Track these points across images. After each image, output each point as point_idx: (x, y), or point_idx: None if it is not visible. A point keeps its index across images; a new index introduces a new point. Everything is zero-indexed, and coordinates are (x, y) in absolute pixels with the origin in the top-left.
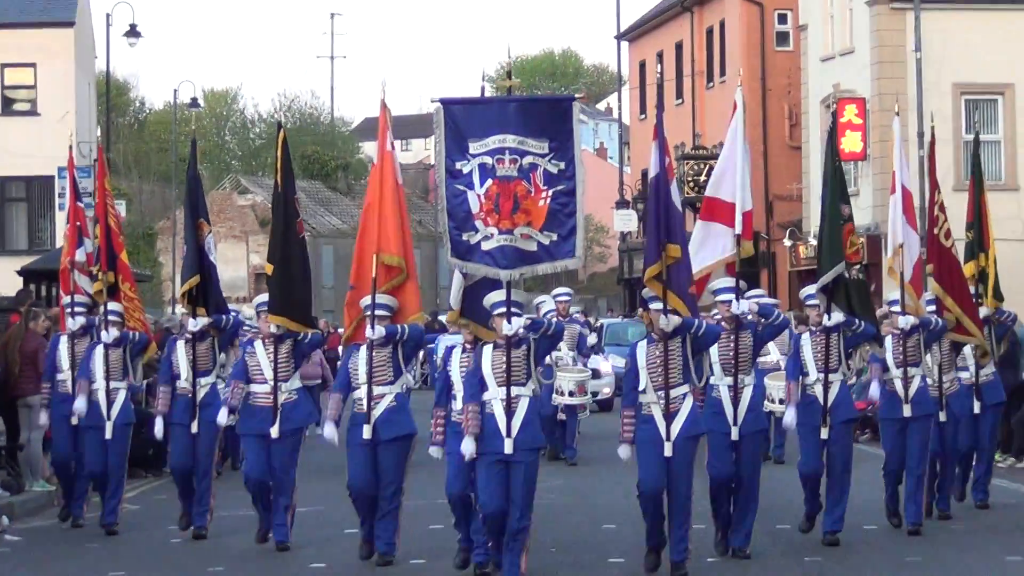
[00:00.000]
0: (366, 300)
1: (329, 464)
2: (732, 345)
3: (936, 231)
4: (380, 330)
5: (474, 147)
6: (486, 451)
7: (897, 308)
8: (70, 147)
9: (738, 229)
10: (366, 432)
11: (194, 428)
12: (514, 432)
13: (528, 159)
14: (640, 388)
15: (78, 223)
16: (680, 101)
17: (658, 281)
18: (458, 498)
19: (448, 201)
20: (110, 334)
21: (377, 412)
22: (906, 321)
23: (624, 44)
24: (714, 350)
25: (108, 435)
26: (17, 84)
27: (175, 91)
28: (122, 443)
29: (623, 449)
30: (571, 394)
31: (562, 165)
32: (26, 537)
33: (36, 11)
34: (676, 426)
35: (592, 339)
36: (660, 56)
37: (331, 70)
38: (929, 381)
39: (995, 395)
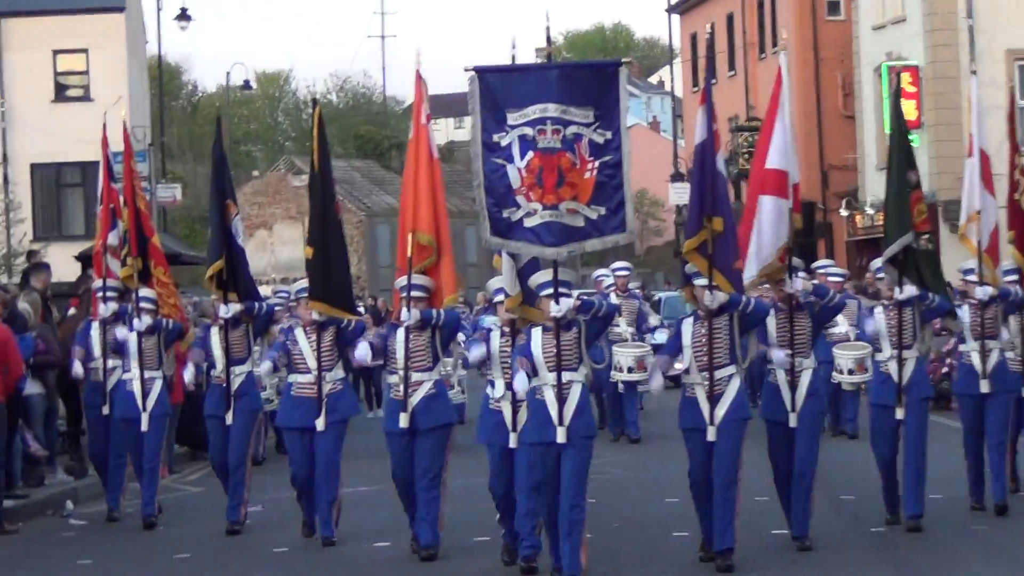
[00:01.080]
0: (401, 281)
1: (376, 447)
2: (788, 326)
3: (1017, 196)
4: (415, 313)
5: (512, 118)
6: (537, 440)
7: (973, 278)
8: (103, 125)
9: (790, 202)
10: (403, 420)
11: (229, 419)
12: (567, 420)
13: (572, 129)
14: (683, 368)
15: (111, 205)
16: (732, 73)
17: (700, 255)
18: (502, 495)
19: (486, 176)
20: (143, 322)
21: (414, 400)
22: (984, 292)
23: (675, 17)
24: (772, 330)
25: (144, 427)
26: (69, 70)
27: (227, 74)
28: (158, 434)
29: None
30: (630, 370)
31: (608, 135)
32: (90, 521)
33: None
34: (721, 409)
35: (654, 319)
36: (712, 27)
37: (382, 49)
38: (1010, 355)
39: None
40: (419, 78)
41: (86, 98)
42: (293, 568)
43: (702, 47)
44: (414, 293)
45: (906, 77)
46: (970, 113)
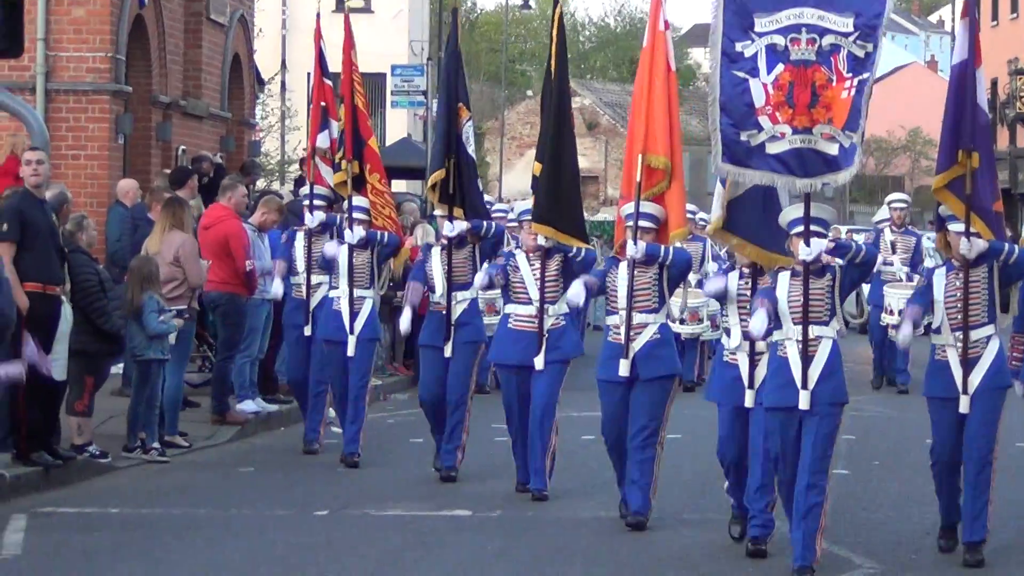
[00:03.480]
0: (628, 208)
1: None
2: None
3: None
4: (641, 246)
5: (761, 23)
6: (774, 404)
7: None
8: (317, 15)
9: None
10: (623, 368)
11: (447, 351)
12: (811, 383)
13: (829, 39)
14: (935, 327)
15: (323, 103)
16: (1015, 16)
17: (954, 195)
18: (733, 463)
19: (723, 91)
20: (355, 233)
21: (637, 345)
22: None
23: None
24: None
25: (351, 351)
26: None
27: None
28: (366, 360)
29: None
30: (900, 313)
31: (869, 47)
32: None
33: None
34: (976, 376)
35: (931, 260)
36: None
37: None
38: None
39: None
40: None
41: (367, 10)
42: (502, 524)
43: None
44: (643, 223)
45: None
46: None
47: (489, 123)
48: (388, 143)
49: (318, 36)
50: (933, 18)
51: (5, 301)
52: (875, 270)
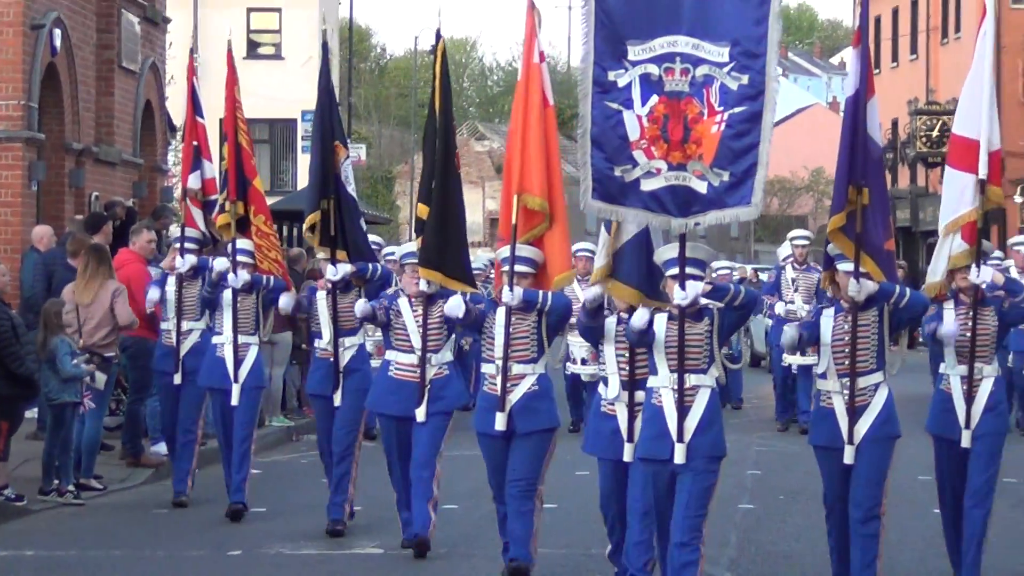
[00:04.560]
0: (504, 252)
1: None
2: (970, 324)
3: None
4: (518, 292)
5: (635, 51)
6: (648, 456)
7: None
8: (191, 50)
9: (983, 172)
10: (499, 422)
11: (337, 399)
12: (688, 435)
13: (703, 69)
14: (820, 372)
15: (195, 143)
16: (914, 56)
17: (845, 235)
18: (615, 523)
19: (596, 124)
20: (239, 277)
21: (514, 397)
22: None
23: None
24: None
25: (234, 400)
26: (262, 28)
27: (415, 38)
28: (250, 410)
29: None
30: (803, 353)
31: (744, 79)
32: (264, 470)
33: None
34: (863, 425)
35: None
36: (895, 11)
37: (568, 19)
38: None
39: None
40: (531, 7)
41: (277, 56)
42: (413, 562)
43: (886, 30)
44: (519, 268)
45: None
46: None
47: (399, 167)
48: (300, 188)
49: (191, 73)
50: (835, 60)
51: None
52: (776, 312)
